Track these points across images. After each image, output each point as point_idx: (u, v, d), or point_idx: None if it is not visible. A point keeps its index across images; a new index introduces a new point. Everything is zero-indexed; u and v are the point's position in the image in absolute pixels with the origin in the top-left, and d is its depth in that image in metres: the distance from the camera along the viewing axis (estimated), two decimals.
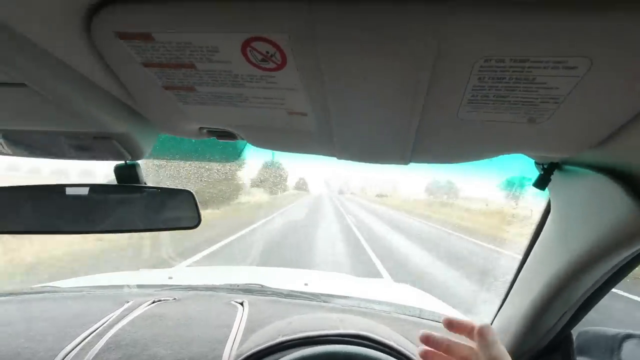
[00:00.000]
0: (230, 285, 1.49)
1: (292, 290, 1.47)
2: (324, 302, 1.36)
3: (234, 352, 0.96)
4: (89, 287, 1.40)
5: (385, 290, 1.95)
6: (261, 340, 0.95)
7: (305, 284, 1.65)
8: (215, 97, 0.44)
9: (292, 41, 0.33)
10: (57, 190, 0.67)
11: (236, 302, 1.25)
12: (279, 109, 0.45)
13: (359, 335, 0.92)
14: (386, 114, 0.44)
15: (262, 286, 1.50)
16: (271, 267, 4.49)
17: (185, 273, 1.94)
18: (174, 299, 1.27)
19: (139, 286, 1.42)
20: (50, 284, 1.49)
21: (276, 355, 0.89)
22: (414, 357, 0.89)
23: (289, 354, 0.88)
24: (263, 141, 0.59)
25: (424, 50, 0.32)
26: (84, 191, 0.68)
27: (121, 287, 1.41)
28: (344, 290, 1.56)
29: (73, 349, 0.93)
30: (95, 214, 0.69)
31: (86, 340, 0.97)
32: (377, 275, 6.20)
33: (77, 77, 0.43)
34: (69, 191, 0.67)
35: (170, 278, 1.67)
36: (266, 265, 5.74)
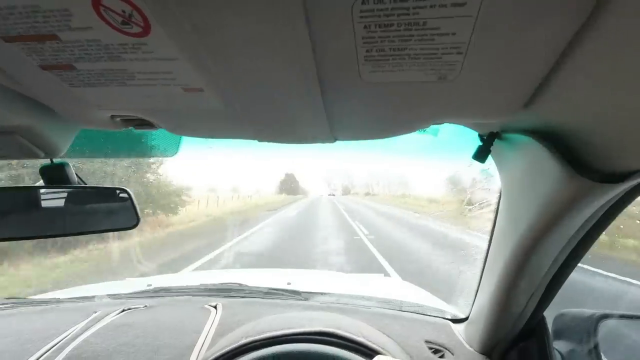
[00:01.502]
0: (206, 286, 1.45)
1: (270, 289, 1.43)
2: (303, 299, 1.32)
3: (200, 358, 0.92)
4: (57, 300, 1.36)
5: (374, 285, 1.91)
6: (226, 343, 0.91)
7: (288, 283, 1.61)
8: (99, 76, 0.40)
9: None
10: None
11: (210, 305, 1.21)
12: (171, 85, 0.41)
13: (324, 332, 0.88)
14: (284, 82, 0.39)
15: (240, 285, 1.46)
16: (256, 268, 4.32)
17: (165, 279, 1.89)
18: (145, 306, 1.22)
19: (110, 295, 1.38)
20: (16, 298, 1.45)
21: (239, 358, 0.85)
22: (382, 351, 0.85)
23: (251, 355, 0.84)
24: (178, 127, 0.55)
25: None
26: (6, 194, 0.63)
27: (91, 297, 1.36)
28: (326, 287, 1.52)
29: None
30: (22, 218, 0.65)
31: (45, 355, 0.93)
32: None
33: None
34: None
35: (149, 285, 1.63)
36: None
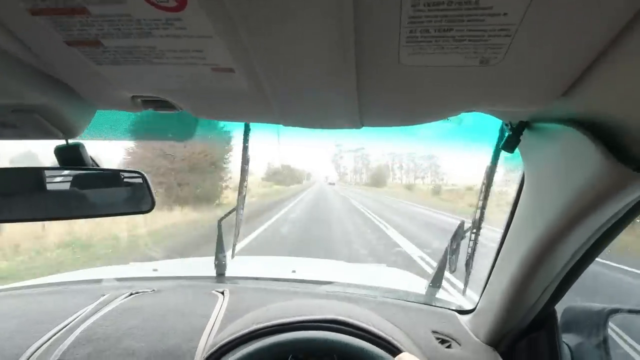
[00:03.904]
0: (212, 275, 1.46)
1: (276, 277, 1.44)
2: (309, 288, 1.33)
3: (210, 342, 0.92)
4: (65, 282, 1.37)
5: (377, 275, 1.93)
6: (236, 328, 0.92)
7: (293, 271, 1.62)
8: (127, 53, 0.39)
9: None
10: None
11: (217, 291, 1.22)
12: (200, 64, 0.40)
13: (336, 320, 0.89)
14: (319, 63, 0.38)
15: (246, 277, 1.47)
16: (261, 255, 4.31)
17: (171, 264, 1.91)
18: (153, 290, 1.23)
19: (118, 279, 1.38)
20: (26, 282, 1.45)
21: (250, 343, 0.85)
22: (393, 341, 0.86)
23: (262, 341, 0.84)
24: (201, 109, 0.53)
25: None
26: (21, 174, 0.62)
27: (99, 281, 1.37)
28: (331, 276, 1.53)
29: (41, 346, 0.90)
30: (34, 199, 0.64)
31: (56, 336, 0.93)
32: None
33: None
34: (4, 175, 0.62)
35: (154, 270, 1.64)
36: None
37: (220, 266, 1.47)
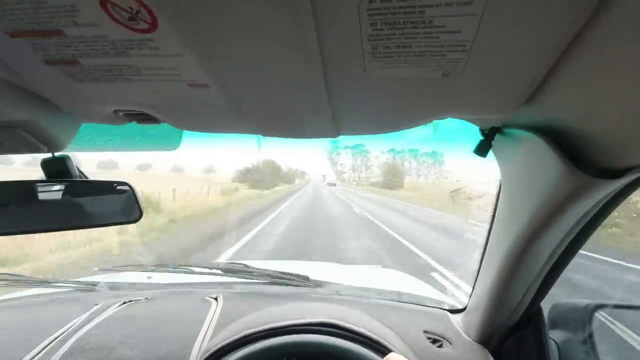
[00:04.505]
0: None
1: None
2: (304, 287, 1.33)
3: (203, 348, 0.93)
4: (58, 292, 1.36)
5: (372, 276, 1.94)
6: (229, 334, 0.92)
7: None
8: (105, 71, 0.40)
9: None
10: None
11: (210, 297, 1.22)
12: (176, 80, 0.41)
13: (325, 323, 0.90)
14: (289, 78, 0.40)
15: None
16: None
17: (165, 272, 1.90)
18: (146, 298, 1.23)
19: (111, 287, 1.38)
20: (17, 293, 1.45)
21: (241, 349, 0.86)
22: (384, 342, 0.87)
23: (253, 346, 0.85)
24: (182, 122, 0.55)
25: None
26: (11, 188, 0.63)
27: (92, 290, 1.37)
28: (325, 278, 1.54)
29: (34, 357, 0.90)
30: (22, 212, 0.65)
31: (49, 347, 0.93)
32: None
33: None
34: None
35: (149, 277, 1.63)
36: None
37: None
